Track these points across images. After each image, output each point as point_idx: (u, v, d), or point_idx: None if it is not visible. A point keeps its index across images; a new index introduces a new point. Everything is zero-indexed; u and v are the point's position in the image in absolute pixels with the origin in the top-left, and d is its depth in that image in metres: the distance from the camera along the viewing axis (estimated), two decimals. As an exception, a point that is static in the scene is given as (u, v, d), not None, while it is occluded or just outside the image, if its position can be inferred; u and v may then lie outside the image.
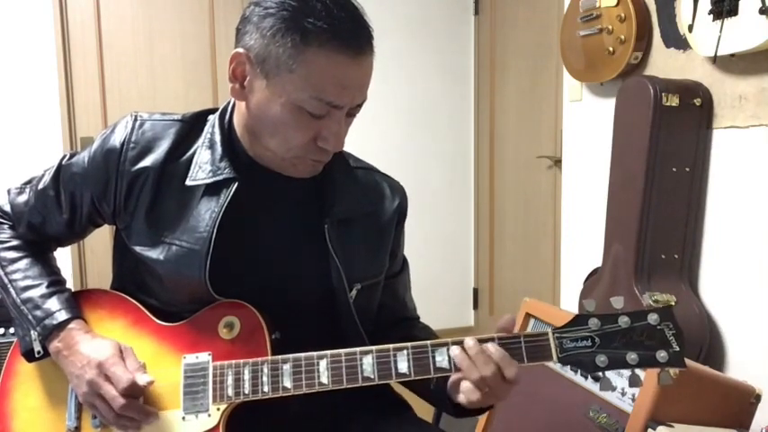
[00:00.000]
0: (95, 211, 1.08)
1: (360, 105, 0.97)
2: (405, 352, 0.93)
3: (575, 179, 2.54)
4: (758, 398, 1.43)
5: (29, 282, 1.05)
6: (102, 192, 1.04)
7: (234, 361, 0.98)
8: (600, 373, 0.89)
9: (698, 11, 1.77)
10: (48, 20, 2.87)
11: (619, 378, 1.41)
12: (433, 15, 3.44)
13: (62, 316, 1.02)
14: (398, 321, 1.20)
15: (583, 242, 2.47)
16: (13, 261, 1.08)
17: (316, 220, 1.05)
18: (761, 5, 1.58)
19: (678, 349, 0.86)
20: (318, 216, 1.05)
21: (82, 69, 2.96)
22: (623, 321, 0.88)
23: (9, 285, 1.05)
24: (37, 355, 1.02)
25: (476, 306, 3.63)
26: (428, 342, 0.94)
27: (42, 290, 1.04)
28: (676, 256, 1.93)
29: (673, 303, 1.87)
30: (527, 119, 3.09)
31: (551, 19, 2.81)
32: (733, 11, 1.65)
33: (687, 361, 1.41)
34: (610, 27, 2.13)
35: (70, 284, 1.13)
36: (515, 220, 3.24)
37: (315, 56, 0.89)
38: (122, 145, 1.03)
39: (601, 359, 0.87)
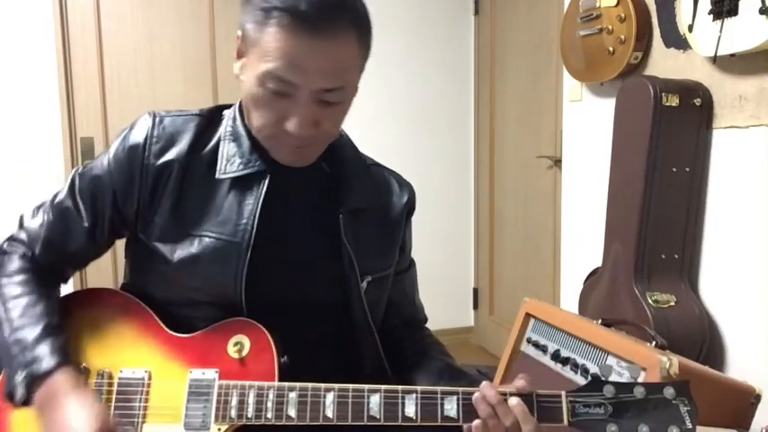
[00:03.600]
0: (117, 215, 1.05)
1: (333, 92, 0.94)
2: (414, 396, 0.92)
3: (575, 179, 2.54)
4: (758, 398, 1.43)
5: (25, 321, 0.99)
6: (127, 190, 1.03)
7: (240, 382, 0.97)
8: None
9: (698, 11, 1.77)
10: (48, 20, 2.87)
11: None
12: (433, 15, 3.44)
13: (49, 363, 0.95)
14: (407, 322, 1.21)
15: (583, 242, 2.47)
16: (15, 297, 1.02)
17: (330, 211, 1.06)
18: (761, 5, 1.58)
19: (690, 427, 0.85)
20: (332, 207, 1.06)
21: (82, 69, 2.96)
22: (639, 392, 0.87)
23: (5, 323, 1.00)
24: (20, 398, 0.94)
25: (476, 306, 3.63)
26: (438, 389, 0.93)
27: (37, 332, 0.97)
28: (676, 256, 1.93)
29: (673, 303, 1.88)
30: (527, 119, 3.09)
31: (551, 19, 2.81)
32: (733, 11, 1.65)
33: (687, 361, 1.42)
34: (610, 27, 2.13)
35: (69, 280, 1.12)
36: (515, 220, 3.24)
37: (272, 33, 0.89)
38: (145, 140, 1.02)
39: (612, 428, 0.86)
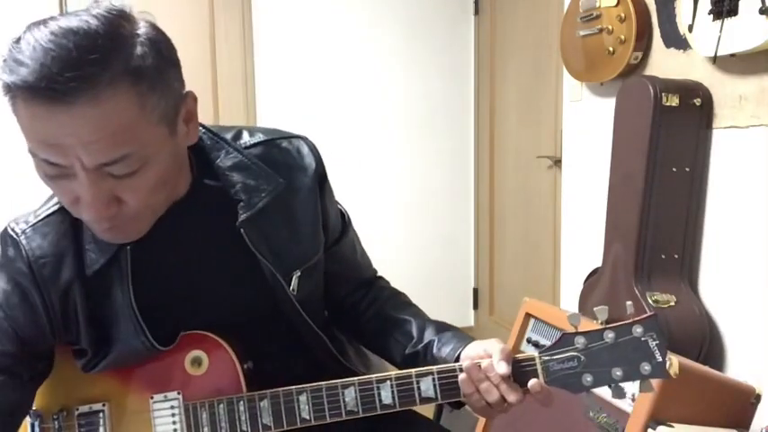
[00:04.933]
0: (28, 354, 0.95)
1: (115, 164, 0.78)
2: (388, 383, 0.91)
3: (575, 179, 2.54)
4: (758, 398, 1.43)
5: None
6: (34, 327, 0.93)
7: (207, 400, 0.94)
8: (585, 392, 0.90)
9: (698, 11, 1.77)
10: (48, 20, 2.87)
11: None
12: (433, 15, 3.44)
13: None
14: (357, 286, 1.14)
15: (583, 242, 2.47)
16: None
17: (231, 227, 0.94)
18: (761, 5, 1.58)
19: (660, 360, 0.85)
20: (231, 221, 0.95)
21: (82, 69, 2.96)
22: (609, 337, 0.88)
23: None
24: None
25: (476, 306, 3.63)
26: (412, 371, 0.92)
27: None
28: (676, 256, 1.93)
29: (673, 303, 1.88)
30: (527, 119, 3.09)
31: (551, 19, 2.80)
32: (733, 11, 1.65)
33: (687, 361, 1.42)
34: (610, 27, 2.13)
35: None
36: (515, 220, 3.24)
37: (20, 112, 0.76)
38: (30, 267, 0.91)
39: (587, 379, 0.87)
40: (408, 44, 3.40)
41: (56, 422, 0.96)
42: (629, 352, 0.86)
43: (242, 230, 0.94)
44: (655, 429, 1.31)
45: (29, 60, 0.73)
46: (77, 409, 0.96)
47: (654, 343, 0.86)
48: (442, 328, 1.05)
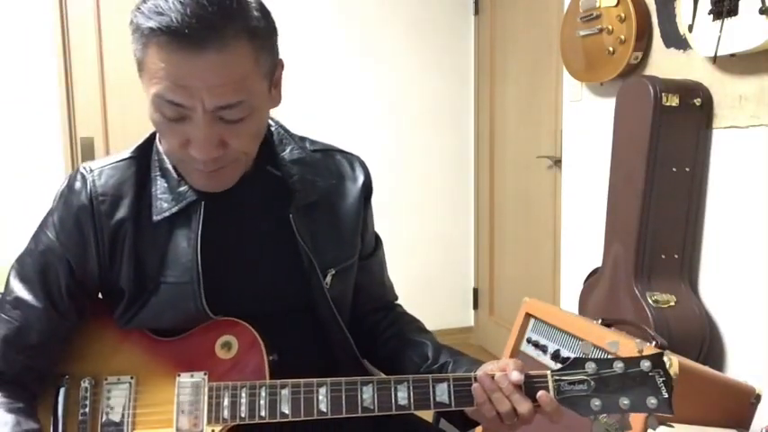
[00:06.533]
0: (75, 284, 1.00)
1: (232, 108, 0.88)
2: (405, 384, 0.94)
3: (575, 179, 2.54)
4: (758, 398, 1.43)
5: None
6: (83, 255, 0.98)
7: (231, 383, 0.96)
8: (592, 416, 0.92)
9: (698, 11, 1.77)
10: (48, 20, 2.87)
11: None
12: (433, 15, 3.44)
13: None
14: (379, 306, 1.19)
15: (583, 242, 2.47)
16: None
17: (281, 213, 1.03)
18: (761, 5, 1.58)
19: (666, 396, 0.89)
20: (282, 208, 1.03)
21: (82, 69, 2.96)
22: (618, 367, 0.91)
23: None
24: None
25: (476, 306, 3.63)
26: (429, 376, 0.95)
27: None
28: (676, 256, 1.93)
29: (673, 303, 1.88)
30: (527, 119, 3.09)
31: (551, 19, 2.80)
32: (733, 11, 1.65)
33: (687, 361, 1.42)
34: (610, 27, 2.13)
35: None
36: (515, 220, 3.24)
37: (153, 54, 0.85)
38: (91, 201, 0.98)
39: (595, 403, 0.90)
40: (408, 44, 3.40)
41: (85, 389, 0.99)
42: (636, 384, 0.90)
43: (291, 217, 1.02)
44: (655, 429, 1.31)
45: (168, 10, 0.83)
46: (106, 380, 1.00)
47: (661, 380, 0.89)
48: (456, 353, 1.09)
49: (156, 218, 0.98)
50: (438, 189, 3.53)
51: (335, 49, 3.29)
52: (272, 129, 1.08)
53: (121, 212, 0.98)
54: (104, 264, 0.99)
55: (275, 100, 0.99)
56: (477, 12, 3.46)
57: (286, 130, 1.09)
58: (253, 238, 1.05)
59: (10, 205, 2.81)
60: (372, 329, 1.17)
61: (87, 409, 0.98)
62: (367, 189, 1.13)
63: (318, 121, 3.16)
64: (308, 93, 3.25)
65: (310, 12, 3.25)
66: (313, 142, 1.12)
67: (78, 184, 1.00)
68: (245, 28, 0.86)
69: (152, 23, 0.83)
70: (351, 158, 1.14)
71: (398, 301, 1.25)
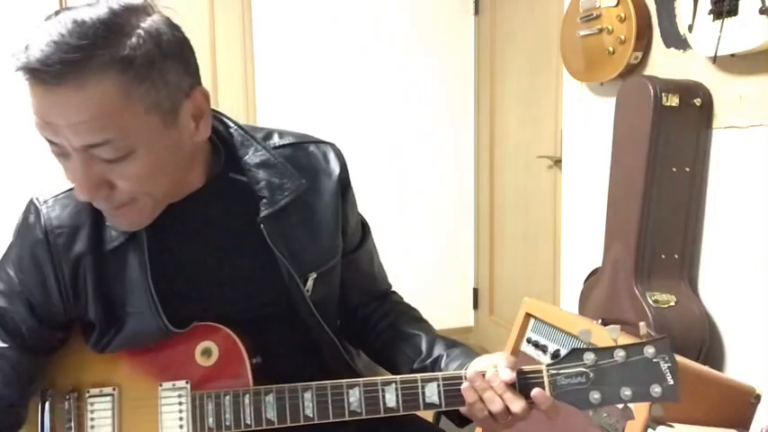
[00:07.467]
0: (37, 324, 0.97)
1: (100, 146, 0.81)
2: (393, 386, 0.92)
3: (575, 179, 2.54)
4: (758, 398, 1.43)
5: None
6: (43, 294, 0.96)
7: (214, 391, 0.95)
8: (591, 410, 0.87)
9: (698, 11, 1.77)
10: (48, 20, 2.87)
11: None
12: (433, 15, 3.44)
13: None
14: (372, 298, 1.16)
15: (583, 242, 2.47)
16: None
17: (252, 221, 0.97)
18: (761, 5, 1.58)
19: (672, 383, 0.84)
20: (252, 216, 0.97)
21: (82, 69, 2.96)
22: (619, 356, 0.85)
23: None
24: None
25: (476, 306, 3.63)
26: (417, 376, 0.92)
27: None
28: (676, 256, 1.93)
29: (673, 303, 1.88)
30: (527, 119, 3.09)
31: (551, 19, 2.80)
32: (733, 11, 1.65)
33: (687, 361, 1.42)
34: (610, 27, 2.13)
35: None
36: (515, 220, 3.24)
37: (29, 90, 0.82)
38: (46, 235, 0.94)
39: (595, 396, 0.86)
40: (408, 44, 3.40)
41: (67, 403, 0.98)
42: (639, 372, 0.85)
43: (261, 226, 0.96)
44: (655, 429, 1.31)
45: (33, 45, 0.78)
46: (88, 392, 0.98)
47: (666, 365, 0.84)
48: (451, 344, 1.05)
49: (107, 247, 0.94)
50: (438, 189, 3.53)
51: (335, 49, 3.29)
52: (232, 131, 1.01)
53: (79, 245, 0.94)
54: (67, 299, 0.96)
55: (200, 132, 0.91)
56: (477, 12, 3.46)
57: (246, 132, 1.02)
58: (220, 249, 1.00)
59: (10, 205, 2.80)
60: (365, 322, 1.14)
61: (72, 423, 0.97)
62: (343, 181, 1.05)
63: (318, 121, 3.16)
64: (308, 92, 3.25)
65: (310, 10, 3.25)
66: (282, 135, 1.05)
67: (32, 218, 0.96)
68: (112, 60, 0.78)
69: (19, 60, 0.79)
70: (324, 149, 1.06)
71: (393, 290, 1.21)
